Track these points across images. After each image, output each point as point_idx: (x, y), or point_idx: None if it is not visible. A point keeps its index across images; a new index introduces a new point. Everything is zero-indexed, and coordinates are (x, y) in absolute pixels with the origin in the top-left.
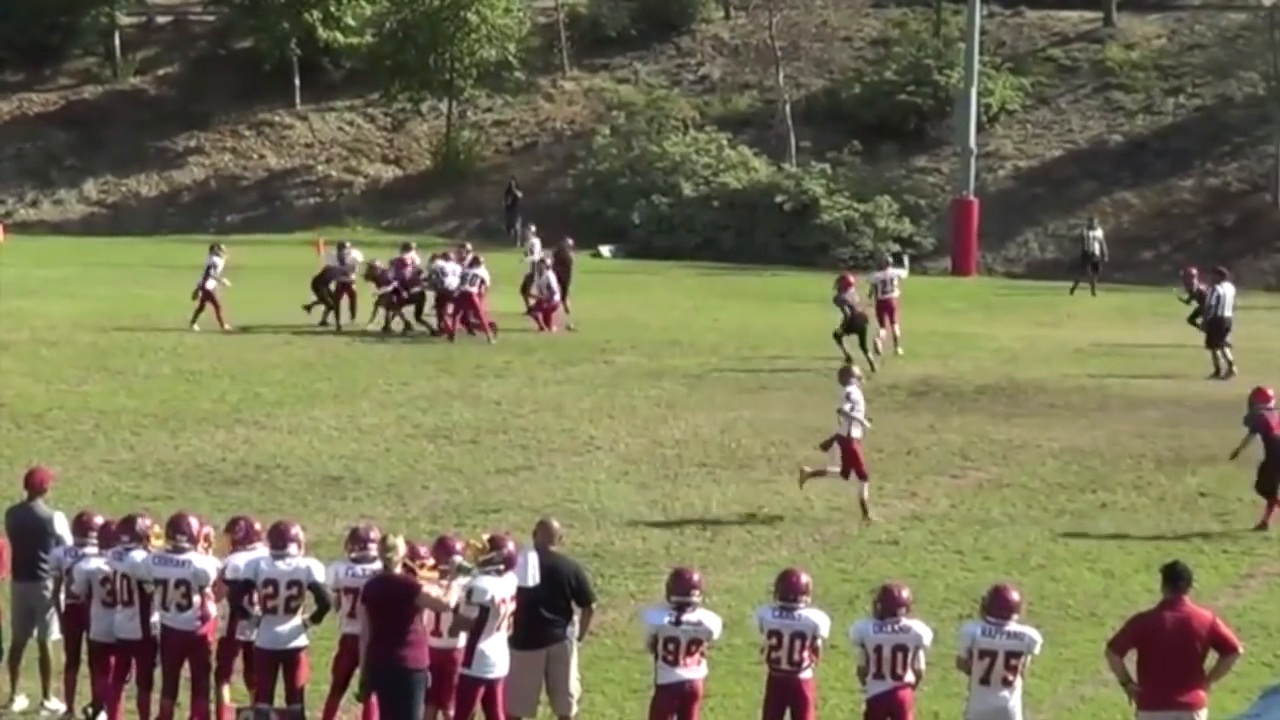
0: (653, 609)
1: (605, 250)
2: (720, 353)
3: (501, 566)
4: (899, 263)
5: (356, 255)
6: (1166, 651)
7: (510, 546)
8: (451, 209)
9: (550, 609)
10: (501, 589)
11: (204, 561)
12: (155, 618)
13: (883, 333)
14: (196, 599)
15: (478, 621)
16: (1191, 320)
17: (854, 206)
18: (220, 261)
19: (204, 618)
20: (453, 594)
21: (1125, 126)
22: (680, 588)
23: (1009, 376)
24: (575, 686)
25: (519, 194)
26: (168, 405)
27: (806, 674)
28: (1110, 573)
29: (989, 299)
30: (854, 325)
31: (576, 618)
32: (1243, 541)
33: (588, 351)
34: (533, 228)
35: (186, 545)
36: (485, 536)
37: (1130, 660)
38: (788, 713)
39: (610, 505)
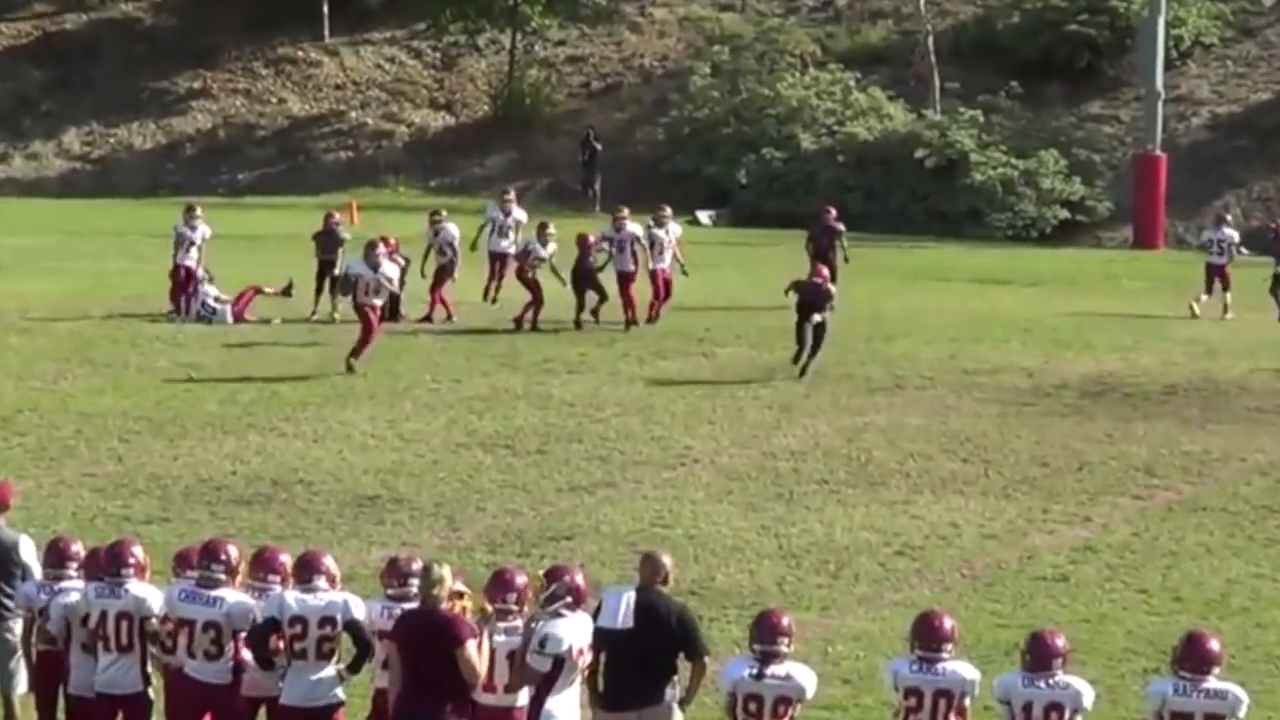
0: (733, 660)
1: (704, 216)
2: (845, 344)
3: (570, 602)
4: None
5: (453, 230)
6: None
7: (573, 577)
8: (515, 165)
9: (646, 661)
10: (578, 635)
11: (238, 598)
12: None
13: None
14: (229, 645)
15: (548, 676)
16: None
17: (1012, 163)
18: (195, 234)
19: (237, 669)
20: (484, 654)
21: None
22: (765, 633)
23: (1205, 374)
24: None
25: (598, 146)
26: (164, 407)
27: None
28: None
29: (1180, 277)
30: None
31: (681, 674)
32: None
33: (682, 342)
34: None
35: (221, 577)
36: (542, 572)
37: None
38: None
39: (710, 531)
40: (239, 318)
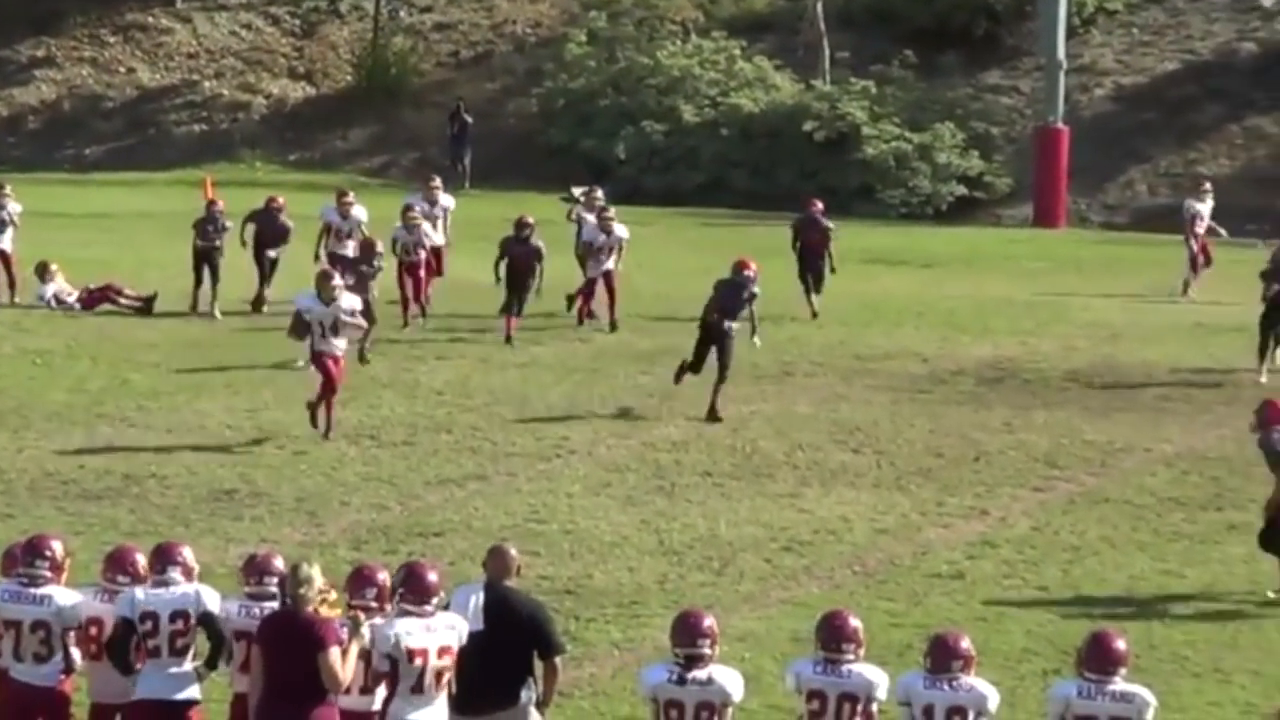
0: (652, 665)
1: (579, 193)
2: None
3: (427, 607)
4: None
5: (361, 213)
6: None
7: (383, 576)
8: (379, 139)
9: (498, 662)
10: (422, 635)
11: (68, 596)
12: None
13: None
14: (60, 645)
15: (389, 678)
16: None
17: (905, 136)
18: (4, 213)
19: (68, 669)
20: (350, 663)
21: (1262, 32)
22: (684, 635)
23: (1108, 359)
24: None
25: (468, 119)
26: (7, 396)
27: None
28: (1240, 614)
29: (1082, 257)
30: None
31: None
32: None
33: (557, 327)
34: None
35: (47, 574)
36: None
37: None
38: None
39: (588, 526)
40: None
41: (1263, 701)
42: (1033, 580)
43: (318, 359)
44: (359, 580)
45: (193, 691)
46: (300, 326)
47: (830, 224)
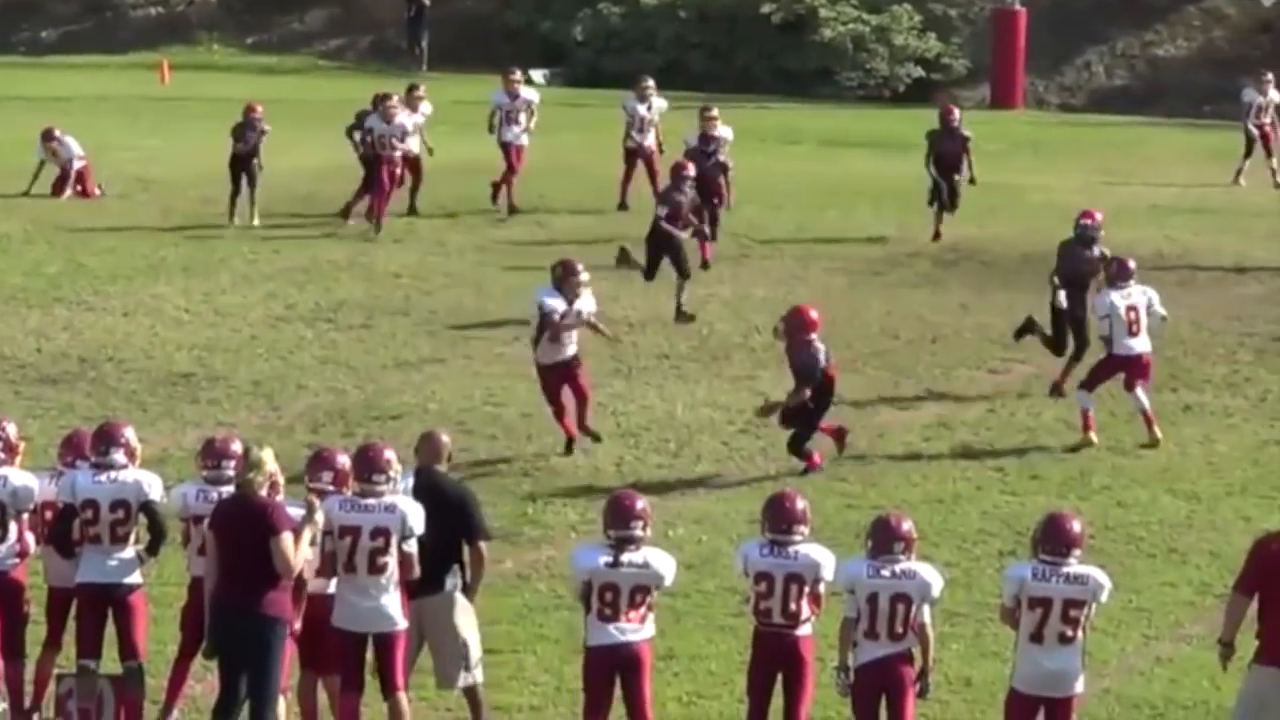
0: (584, 547)
1: (538, 76)
2: None
3: (331, 488)
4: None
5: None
6: None
7: (341, 460)
8: (336, 21)
9: (424, 548)
10: (358, 514)
11: (22, 478)
12: None
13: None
14: (14, 527)
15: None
16: None
17: (863, 18)
18: None
19: (22, 553)
20: (303, 548)
21: None
22: (618, 518)
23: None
24: (471, 650)
25: (426, 2)
26: None
27: (804, 630)
28: (1195, 496)
29: (1039, 140)
30: None
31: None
32: None
33: (524, 212)
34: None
35: (0, 455)
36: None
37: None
38: (779, 679)
39: (546, 411)
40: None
41: (1218, 581)
42: (988, 462)
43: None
44: (316, 463)
45: (134, 577)
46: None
47: (969, 133)
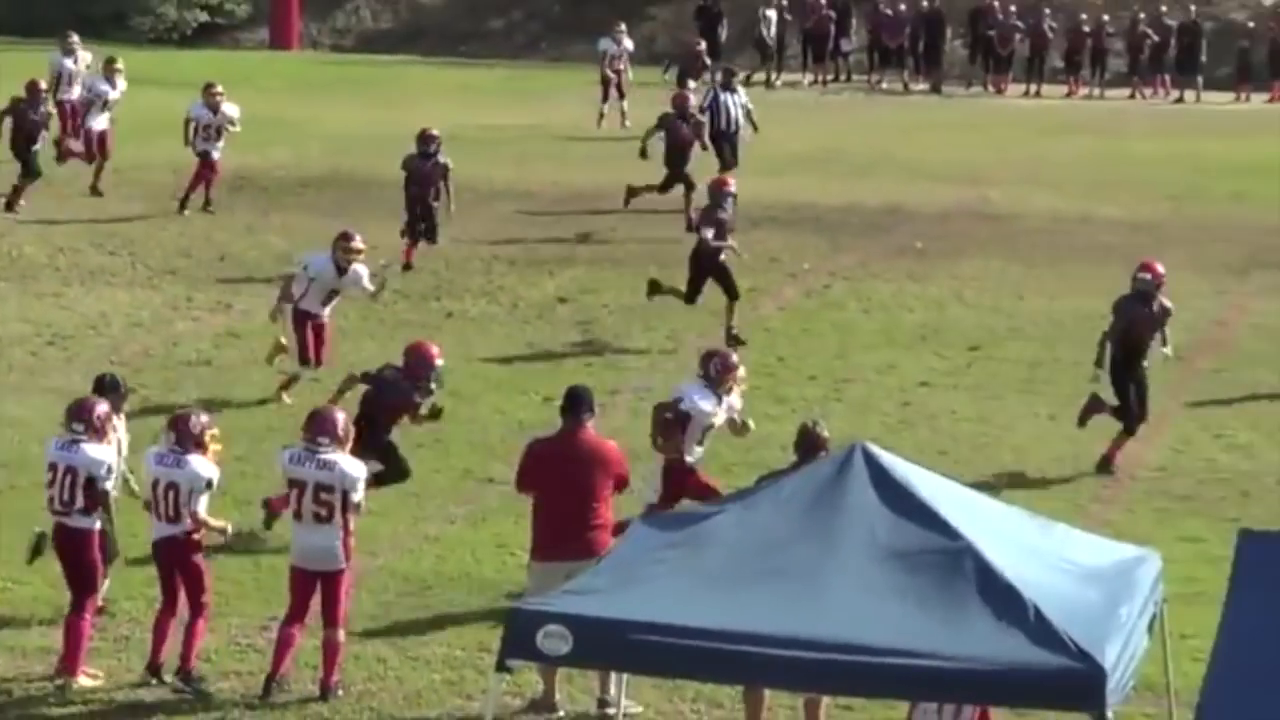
0: None
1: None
2: None
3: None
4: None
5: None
6: (566, 488)
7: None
8: None
9: None
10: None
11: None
12: None
13: None
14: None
15: None
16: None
17: None
18: None
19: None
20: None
21: None
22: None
23: (338, 168)
24: None
25: None
26: None
27: (81, 522)
28: (458, 393)
29: (314, 78)
30: None
31: None
32: (609, 355)
33: None
34: None
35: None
36: None
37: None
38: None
39: None
40: None
41: (478, 468)
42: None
43: None
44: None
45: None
46: None
47: (704, 118)
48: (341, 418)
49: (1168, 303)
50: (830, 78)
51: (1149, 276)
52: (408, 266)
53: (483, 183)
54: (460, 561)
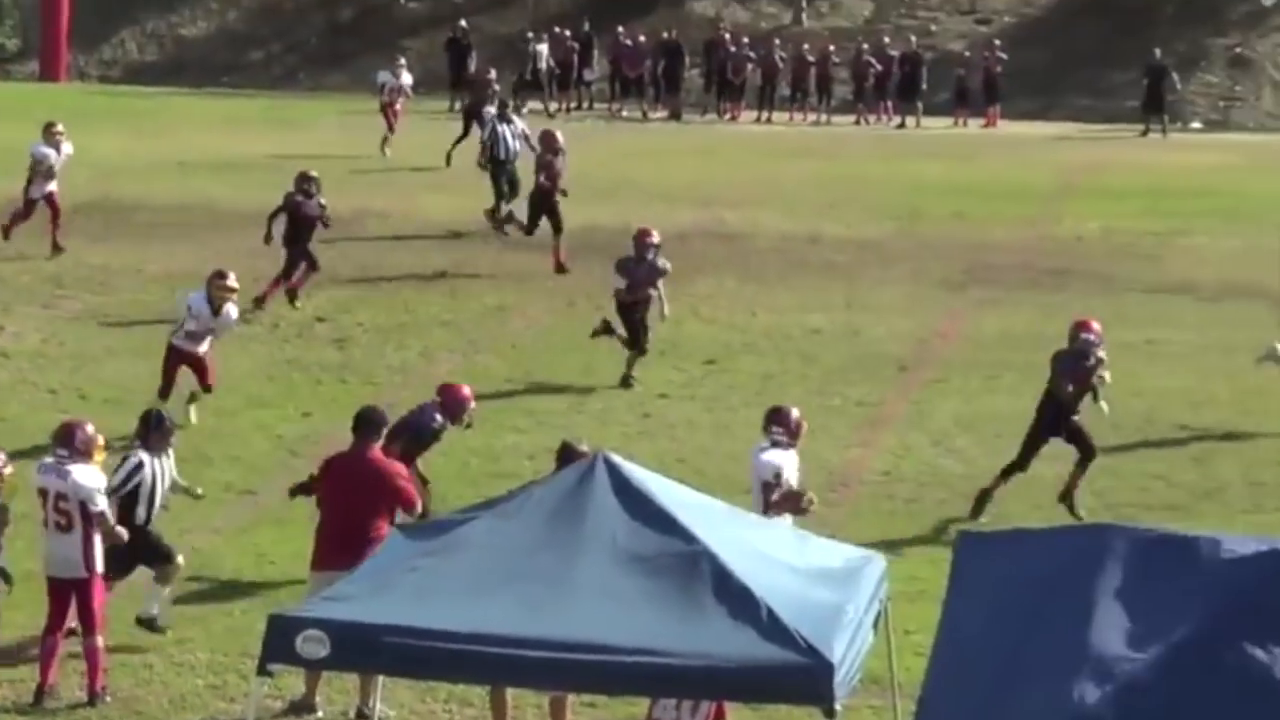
0: None
1: None
2: None
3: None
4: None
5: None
6: (345, 503)
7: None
8: None
9: None
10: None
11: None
12: None
13: None
14: None
15: None
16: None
17: None
18: None
19: None
20: None
21: None
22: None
23: (107, 194)
24: None
25: None
26: None
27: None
28: (222, 410)
29: (82, 108)
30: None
31: None
32: (364, 372)
33: None
34: None
35: None
36: None
37: None
38: None
39: None
40: None
41: (239, 480)
42: (43, 385)
43: None
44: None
45: None
46: None
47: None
48: (88, 430)
49: (1103, 353)
50: (574, 105)
51: (1091, 337)
52: (294, 295)
53: (245, 205)
54: (223, 571)
